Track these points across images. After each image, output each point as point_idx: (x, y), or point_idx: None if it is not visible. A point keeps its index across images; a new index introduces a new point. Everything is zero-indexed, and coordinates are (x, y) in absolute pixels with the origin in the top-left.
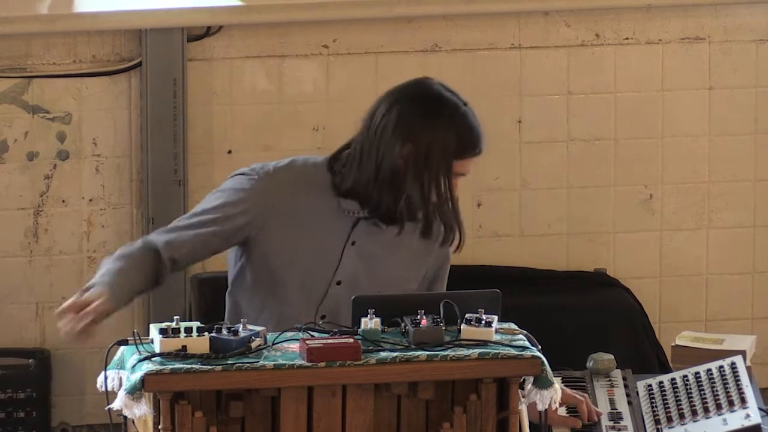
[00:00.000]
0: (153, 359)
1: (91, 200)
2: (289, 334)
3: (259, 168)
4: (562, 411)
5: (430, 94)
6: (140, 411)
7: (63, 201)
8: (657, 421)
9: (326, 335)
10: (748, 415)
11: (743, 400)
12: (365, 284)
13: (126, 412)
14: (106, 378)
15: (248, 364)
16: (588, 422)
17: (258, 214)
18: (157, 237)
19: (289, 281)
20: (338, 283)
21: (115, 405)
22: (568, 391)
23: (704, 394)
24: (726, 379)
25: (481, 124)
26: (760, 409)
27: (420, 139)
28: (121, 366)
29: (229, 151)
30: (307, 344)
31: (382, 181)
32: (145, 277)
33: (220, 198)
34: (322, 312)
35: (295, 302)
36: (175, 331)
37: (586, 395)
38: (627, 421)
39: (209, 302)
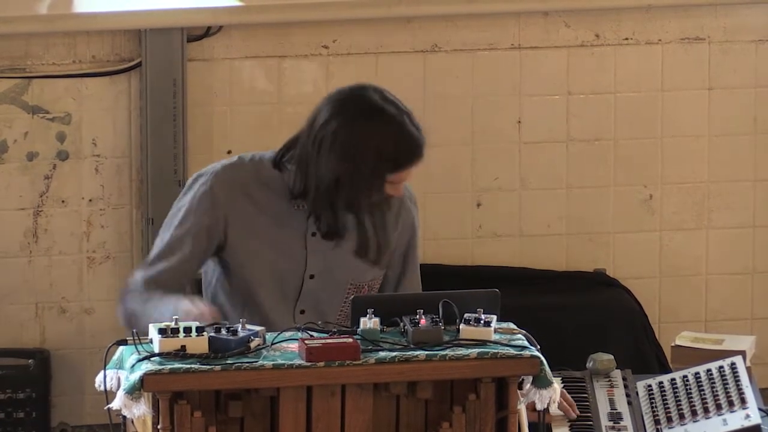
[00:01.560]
0: (152, 359)
1: (90, 200)
2: (288, 334)
3: (208, 173)
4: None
5: (367, 108)
6: (139, 411)
7: (63, 201)
8: (657, 422)
9: (325, 335)
10: (748, 416)
11: (743, 401)
12: (338, 272)
13: (125, 412)
14: (105, 378)
15: (247, 364)
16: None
17: (219, 218)
18: (139, 277)
19: (262, 283)
20: (311, 277)
21: (115, 405)
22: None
23: (704, 394)
24: (726, 380)
25: (420, 131)
26: (760, 409)
27: (354, 158)
28: (120, 366)
29: (229, 152)
30: (306, 344)
31: (320, 194)
32: None
33: (181, 219)
34: (300, 307)
35: (272, 302)
36: (174, 331)
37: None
38: (627, 421)
39: None
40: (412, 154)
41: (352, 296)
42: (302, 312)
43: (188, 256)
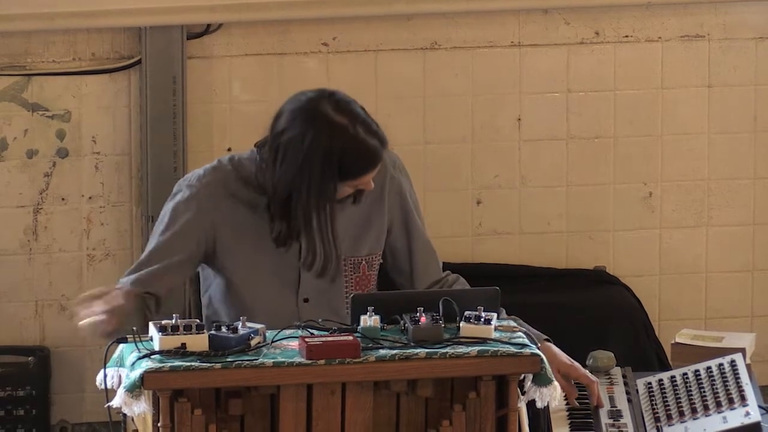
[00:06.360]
0: (152, 357)
1: (90, 198)
2: (288, 332)
3: (191, 179)
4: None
5: (318, 120)
6: (140, 409)
7: (62, 199)
8: (657, 419)
9: (326, 333)
10: (747, 413)
11: (743, 398)
12: (332, 292)
13: (125, 410)
14: (105, 376)
15: (248, 362)
16: (594, 406)
17: (206, 222)
18: (126, 278)
19: (259, 280)
20: (305, 301)
21: (115, 403)
22: (582, 370)
23: (704, 391)
24: (726, 377)
25: (377, 136)
26: (759, 406)
27: (302, 171)
28: (120, 364)
29: (229, 149)
30: (307, 342)
31: (276, 203)
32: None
33: (166, 225)
34: (303, 296)
35: (272, 296)
36: (175, 329)
37: (597, 380)
38: (627, 418)
39: None
40: (366, 165)
41: (353, 294)
42: (306, 300)
43: (175, 262)
